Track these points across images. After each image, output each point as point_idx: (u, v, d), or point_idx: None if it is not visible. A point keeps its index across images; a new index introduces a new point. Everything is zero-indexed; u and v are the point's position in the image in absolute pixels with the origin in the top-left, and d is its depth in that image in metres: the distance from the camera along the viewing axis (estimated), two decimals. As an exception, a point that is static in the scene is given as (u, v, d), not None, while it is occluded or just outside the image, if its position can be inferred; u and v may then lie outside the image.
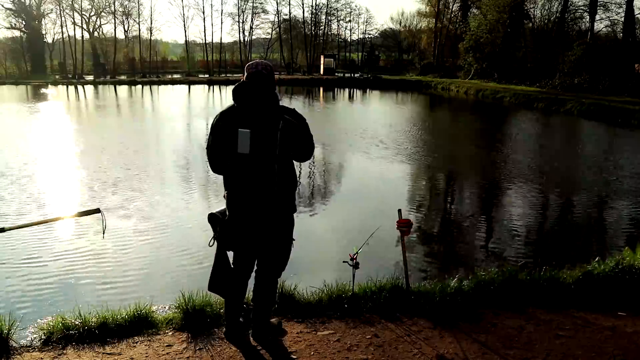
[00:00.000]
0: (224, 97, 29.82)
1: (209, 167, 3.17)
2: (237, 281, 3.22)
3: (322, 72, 46.25)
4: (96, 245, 5.72)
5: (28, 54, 48.95)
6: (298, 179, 9.35)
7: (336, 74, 45.57)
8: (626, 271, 4.11)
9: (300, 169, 10.20)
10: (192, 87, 37.21)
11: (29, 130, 15.14)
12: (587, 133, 16.96)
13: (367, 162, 11.25)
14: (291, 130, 2.98)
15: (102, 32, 57.01)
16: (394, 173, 10.00)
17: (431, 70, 44.02)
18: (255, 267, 3.25)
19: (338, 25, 63.10)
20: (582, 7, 36.43)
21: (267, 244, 3.13)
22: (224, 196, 3.14)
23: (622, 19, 32.11)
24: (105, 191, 8.02)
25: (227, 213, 3.16)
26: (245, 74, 3.04)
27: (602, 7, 34.65)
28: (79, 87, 36.04)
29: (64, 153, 11.48)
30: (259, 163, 2.95)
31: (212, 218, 3.21)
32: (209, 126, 3.07)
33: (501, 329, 3.48)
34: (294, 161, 3.13)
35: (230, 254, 3.26)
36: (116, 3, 53.01)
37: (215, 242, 3.21)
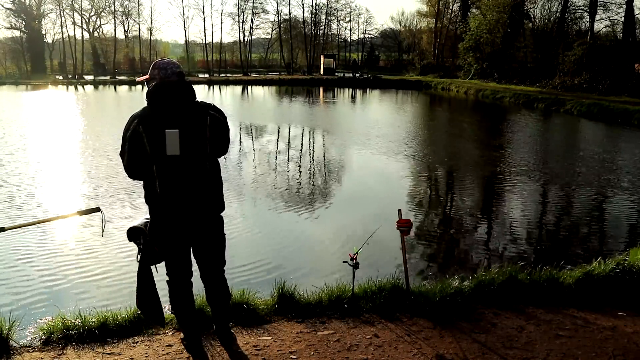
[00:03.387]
0: (224, 97, 29.82)
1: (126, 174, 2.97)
2: (181, 291, 3.10)
3: (322, 72, 46.24)
4: (96, 245, 5.72)
5: (28, 54, 48.90)
6: (300, 176, 9.38)
7: (336, 74, 45.55)
8: (626, 271, 4.12)
9: (300, 166, 10.20)
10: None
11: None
12: (586, 133, 16.96)
13: (366, 161, 11.25)
14: (218, 126, 2.90)
15: (102, 32, 57.10)
16: (393, 172, 10.00)
17: (431, 70, 44.01)
18: (200, 274, 3.14)
19: (338, 25, 63.26)
20: (582, 7, 36.47)
21: (203, 245, 3.02)
22: (147, 202, 2.95)
23: (622, 19, 32.12)
24: (104, 189, 8.04)
25: (149, 223, 3.00)
26: (156, 72, 2.88)
27: (602, 7, 34.67)
28: (79, 87, 36.03)
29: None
30: (190, 163, 2.83)
31: (134, 232, 3.02)
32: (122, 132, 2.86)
33: (501, 329, 3.48)
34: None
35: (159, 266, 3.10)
36: (116, 3, 53.08)
37: (140, 257, 3.03)
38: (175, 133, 2.75)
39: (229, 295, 3.25)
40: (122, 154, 2.90)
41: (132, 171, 2.92)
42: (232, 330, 3.30)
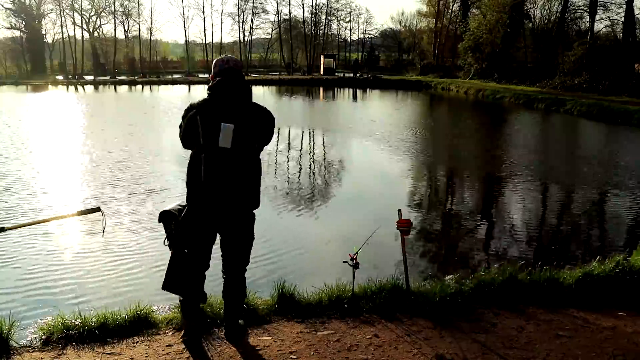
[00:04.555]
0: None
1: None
2: (196, 278, 3.20)
3: (322, 72, 46.22)
4: (96, 245, 5.71)
5: (28, 54, 48.88)
6: (300, 176, 9.37)
7: (336, 74, 45.54)
8: (626, 271, 4.12)
9: (300, 165, 10.20)
10: (192, 87, 37.22)
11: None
12: (586, 133, 16.97)
13: (366, 161, 11.26)
14: (268, 126, 3.14)
15: (102, 32, 57.03)
16: (393, 172, 10.00)
17: (431, 70, 43.97)
18: (222, 268, 3.25)
19: (338, 25, 63.16)
20: (582, 7, 36.48)
21: (234, 239, 3.16)
22: (188, 186, 3.09)
23: (622, 19, 32.10)
24: (105, 189, 8.04)
25: (182, 208, 3.16)
26: (218, 69, 3.12)
27: (602, 7, 34.67)
28: (79, 87, 36.01)
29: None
30: (238, 158, 3.02)
31: (166, 216, 3.18)
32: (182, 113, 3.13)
33: (501, 329, 3.48)
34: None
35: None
36: (116, 3, 53.06)
37: (170, 241, 3.17)
38: (230, 127, 2.96)
39: (245, 295, 3.35)
40: (180, 127, 3.12)
41: (185, 145, 3.14)
42: (245, 326, 3.35)
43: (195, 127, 3.00)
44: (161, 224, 3.24)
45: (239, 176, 3.03)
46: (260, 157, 3.18)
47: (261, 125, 3.08)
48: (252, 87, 3.17)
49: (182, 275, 3.16)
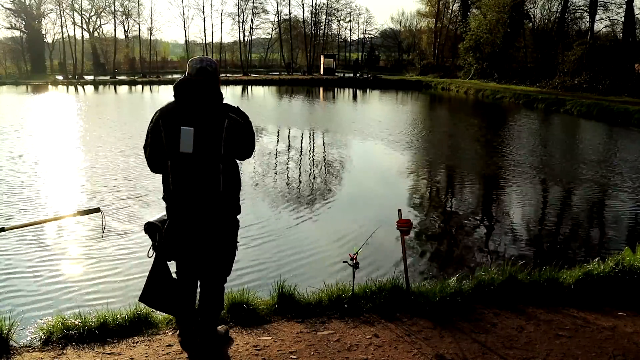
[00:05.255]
0: (223, 97, 29.71)
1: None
2: (185, 291, 3.08)
3: (322, 72, 46.22)
4: (96, 245, 5.71)
5: (28, 54, 48.93)
6: (300, 176, 9.38)
7: (336, 74, 45.53)
8: (626, 271, 4.12)
9: (300, 165, 10.21)
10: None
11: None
12: (586, 133, 16.95)
13: (366, 161, 11.25)
14: (236, 129, 2.88)
15: (102, 32, 57.12)
16: (393, 172, 10.00)
17: (431, 70, 44.00)
18: (199, 274, 3.11)
19: (338, 25, 63.20)
20: (582, 7, 36.50)
21: (212, 249, 2.98)
22: (163, 198, 2.98)
23: (622, 19, 32.12)
24: (105, 189, 8.04)
25: (166, 219, 3.02)
26: (188, 69, 2.93)
27: (602, 7, 34.71)
28: (79, 88, 36.00)
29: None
30: (203, 163, 2.83)
31: (150, 227, 3.05)
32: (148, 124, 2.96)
33: (501, 329, 3.48)
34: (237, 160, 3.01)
35: (171, 264, 3.12)
36: (116, 3, 53.09)
37: (154, 253, 3.06)
38: (190, 131, 2.79)
39: (222, 307, 3.21)
40: (145, 147, 2.98)
41: (152, 164, 3.00)
42: (218, 334, 3.21)
43: (159, 132, 2.85)
44: (147, 235, 3.12)
45: (206, 182, 2.84)
46: (255, 157, 3.07)
47: (227, 128, 2.83)
48: (221, 87, 2.96)
49: (161, 290, 3.05)
